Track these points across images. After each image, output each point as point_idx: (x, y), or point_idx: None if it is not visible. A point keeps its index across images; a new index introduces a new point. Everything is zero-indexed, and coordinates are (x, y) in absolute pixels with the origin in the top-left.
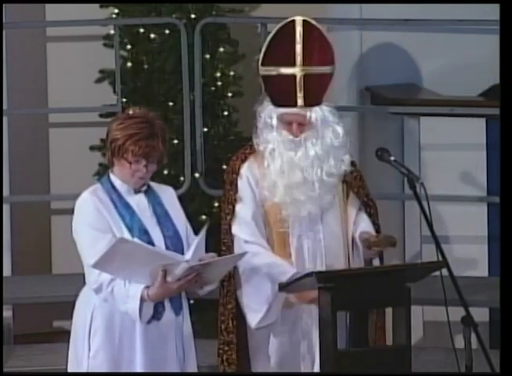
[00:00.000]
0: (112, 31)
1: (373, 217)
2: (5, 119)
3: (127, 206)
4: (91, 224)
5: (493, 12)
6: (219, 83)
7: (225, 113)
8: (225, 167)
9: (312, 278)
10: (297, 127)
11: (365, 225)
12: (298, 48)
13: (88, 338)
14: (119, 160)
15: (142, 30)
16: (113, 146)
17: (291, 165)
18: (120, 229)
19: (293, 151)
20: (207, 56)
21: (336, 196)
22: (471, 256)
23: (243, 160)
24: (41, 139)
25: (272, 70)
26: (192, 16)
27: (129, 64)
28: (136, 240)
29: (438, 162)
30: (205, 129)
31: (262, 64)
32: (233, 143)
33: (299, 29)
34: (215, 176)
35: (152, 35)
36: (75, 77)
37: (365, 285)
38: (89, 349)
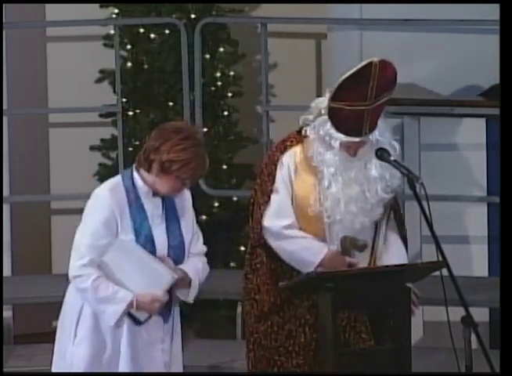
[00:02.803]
0: (112, 31)
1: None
2: (5, 119)
3: (141, 209)
4: (102, 220)
5: (493, 12)
6: (219, 83)
7: (225, 113)
8: (225, 167)
9: (313, 278)
10: (357, 148)
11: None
12: (371, 86)
13: (75, 325)
14: (169, 177)
15: (142, 30)
16: (166, 166)
17: (350, 182)
18: (127, 232)
19: (351, 169)
20: (207, 56)
21: None
22: (471, 256)
23: (283, 152)
24: (41, 139)
25: (344, 105)
26: (192, 16)
27: (129, 64)
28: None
29: (438, 162)
30: (205, 129)
31: (333, 99)
32: (233, 143)
33: (375, 71)
34: (215, 176)
35: (152, 35)
36: (75, 77)
37: (366, 285)
38: (75, 336)
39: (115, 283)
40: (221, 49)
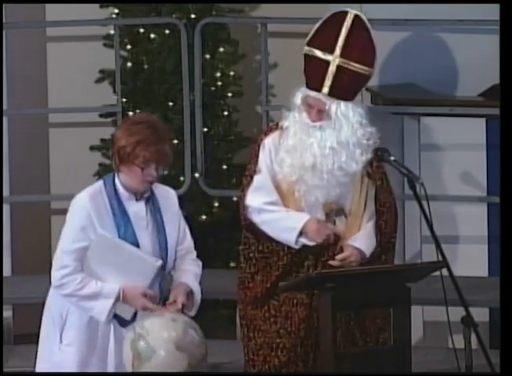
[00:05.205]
0: (112, 31)
1: (383, 226)
2: (5, 119)
3: (124, 214)
4: (79, 226)
5: (493, 12)
6: (219, 83)
7: (225, 113)
8: (225, 167)
9: (313, 278)
10: (317, 113)
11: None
12: (341, 38)
13: (60, 331)
14: (129, 166)
15: (142, 30)
16: (121, 153)
17: (304, 147)
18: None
19: (307, 135)
20: (207, 56)
21: (356, 190)
22: (471, 256)
23: (267, 135)
24: (41, 139)
25: (311, 52)
26: (193, 16)
27: (129, 64)
28: (116, 239)
29: (438, 162)
30: (205, 129)
31: (307, 44)
32: (233, 143)
33: (348, 21)
34: (215, 176)
35: (152, 35)
36: (75, 77)
37: (366, 285)
38: (61, 341)
39: (98, 278)
40: (221, 49)
